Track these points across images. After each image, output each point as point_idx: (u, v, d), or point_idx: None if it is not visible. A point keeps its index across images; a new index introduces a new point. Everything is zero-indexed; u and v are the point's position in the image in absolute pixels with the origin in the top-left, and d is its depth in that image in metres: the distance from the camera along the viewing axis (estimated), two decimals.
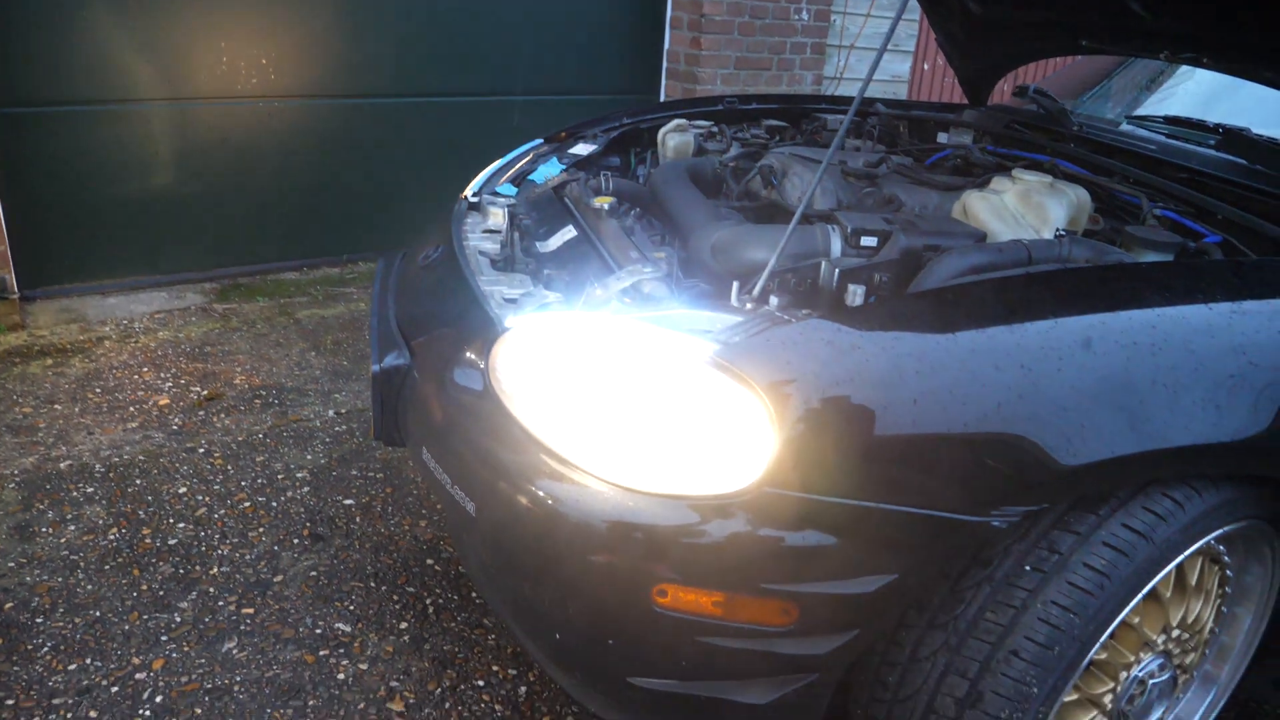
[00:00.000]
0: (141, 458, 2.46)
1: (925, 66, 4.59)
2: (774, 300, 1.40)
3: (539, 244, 1.94)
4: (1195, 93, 2.21)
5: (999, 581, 1.22)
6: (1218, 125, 1.94)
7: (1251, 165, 1.81)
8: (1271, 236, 1.58)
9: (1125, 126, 2.14)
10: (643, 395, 1.28)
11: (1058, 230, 1.62)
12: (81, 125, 3.27)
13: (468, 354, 1.52)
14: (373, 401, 1.69)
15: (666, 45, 4.21)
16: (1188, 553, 1.25)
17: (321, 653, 1.84)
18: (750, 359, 1.20)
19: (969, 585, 1.24)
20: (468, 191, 2.25)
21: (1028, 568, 1.21)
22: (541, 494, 1.28)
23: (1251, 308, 1.25)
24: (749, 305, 1.41)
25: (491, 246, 1.91)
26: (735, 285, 1.43)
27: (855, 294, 1.47)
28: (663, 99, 4.28)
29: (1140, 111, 2.30)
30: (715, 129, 2.46)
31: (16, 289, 3.28)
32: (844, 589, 1.18)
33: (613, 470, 1.25)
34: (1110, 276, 1.32)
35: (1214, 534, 1.27)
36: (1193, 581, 1.37)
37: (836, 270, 1.47)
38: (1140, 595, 1.22)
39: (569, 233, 1.92)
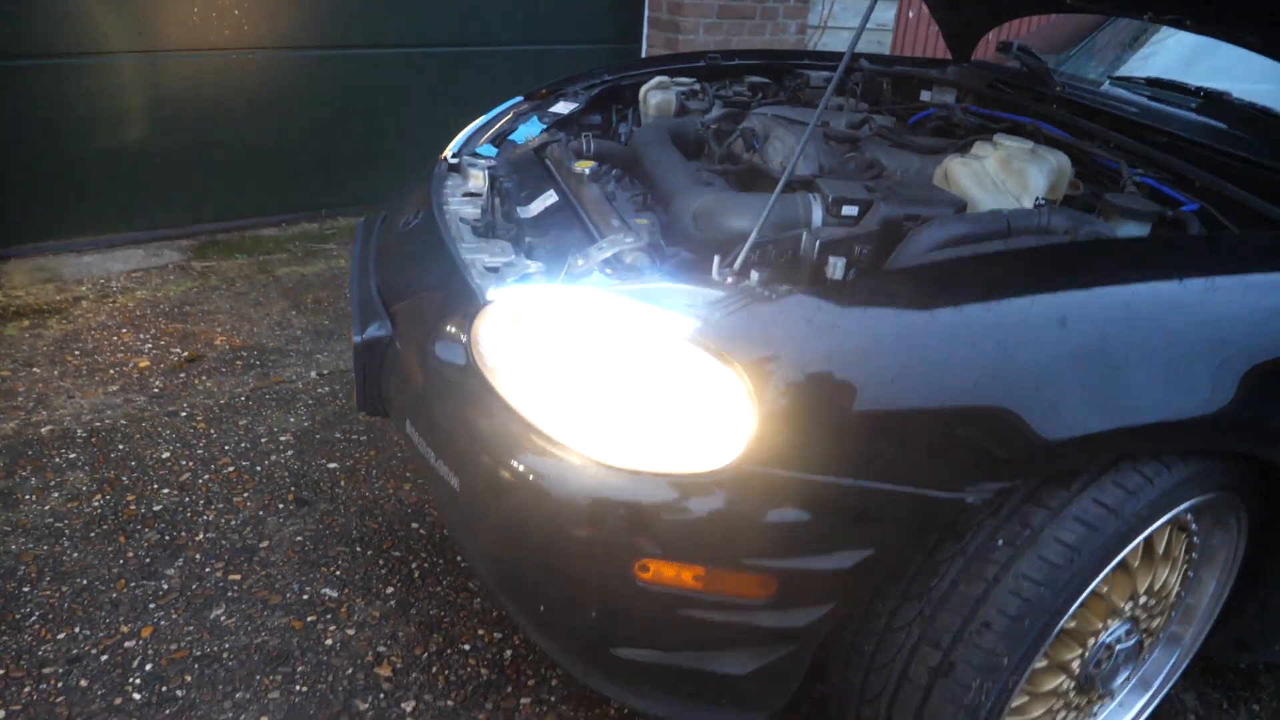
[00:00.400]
0: (123, 422, 2.45)
1: (910, 14, 4.52)
2: (754, 274, 1.40)
3: (520, 209, 1.93)
4: (1179, 51, 2.20)
5: (972, 555, 1.25)
6: (1199, 88, 1.93)
7: (1231, 130, 1.81)
8: (1247, 205, 1.59)
9: (1107, 87, 2.13)
10: (623, 372, 1.29)
11: (1037, 199, 1.63)
12: (51, 79, 3.18)
13: (450, 326, 1.52)
14: (355, 372, 1.69)
15: None
16: (1156, 525, 1.28)
17: (309, 618, 1.87)
18: (730, 337, 1.20)
19: (943, 558, 1.27)
20: (447, 152, 2.22)
21: (1000, 541, 1.24)
22: (524, 470, 1.29)
23: (1223, 284, 1.26)
24: (730, 279, 1.41)
25: (472, 211, 1.90)
26: (716, 259, 1.42)
27: (836, 266, 1.47)
28: (645, 48, 4.21)
29: (1124, 70, 2.29)
30: (697, 86, 2.42)
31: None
32: (822, 564, 1.21)
33: (595, 446, 1.27)
34: (1086, 253, 1.33)
35: (1182, 506, 1.30)
36: (1160, 551, 1.41)
37: (817, 242, 1.47)
38: (1109, 568, 1.25)
39: (550, 197, 1.90)
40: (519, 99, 2.47)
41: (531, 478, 1.29)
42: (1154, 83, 2.07)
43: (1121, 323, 1.20)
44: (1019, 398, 1.17)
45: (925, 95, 2.39)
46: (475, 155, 2.18)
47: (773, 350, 1.19)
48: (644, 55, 4.22)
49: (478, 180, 2.05)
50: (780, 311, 1.21)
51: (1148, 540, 1.36)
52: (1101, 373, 1.18)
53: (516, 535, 1.33)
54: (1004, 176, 1.72)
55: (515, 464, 1.30)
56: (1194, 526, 1.45)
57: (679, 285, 1.42)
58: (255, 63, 3.49)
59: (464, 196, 1.98)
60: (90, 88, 3.25)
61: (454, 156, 2.16)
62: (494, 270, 1.63)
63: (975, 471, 1.18)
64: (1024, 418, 1.17)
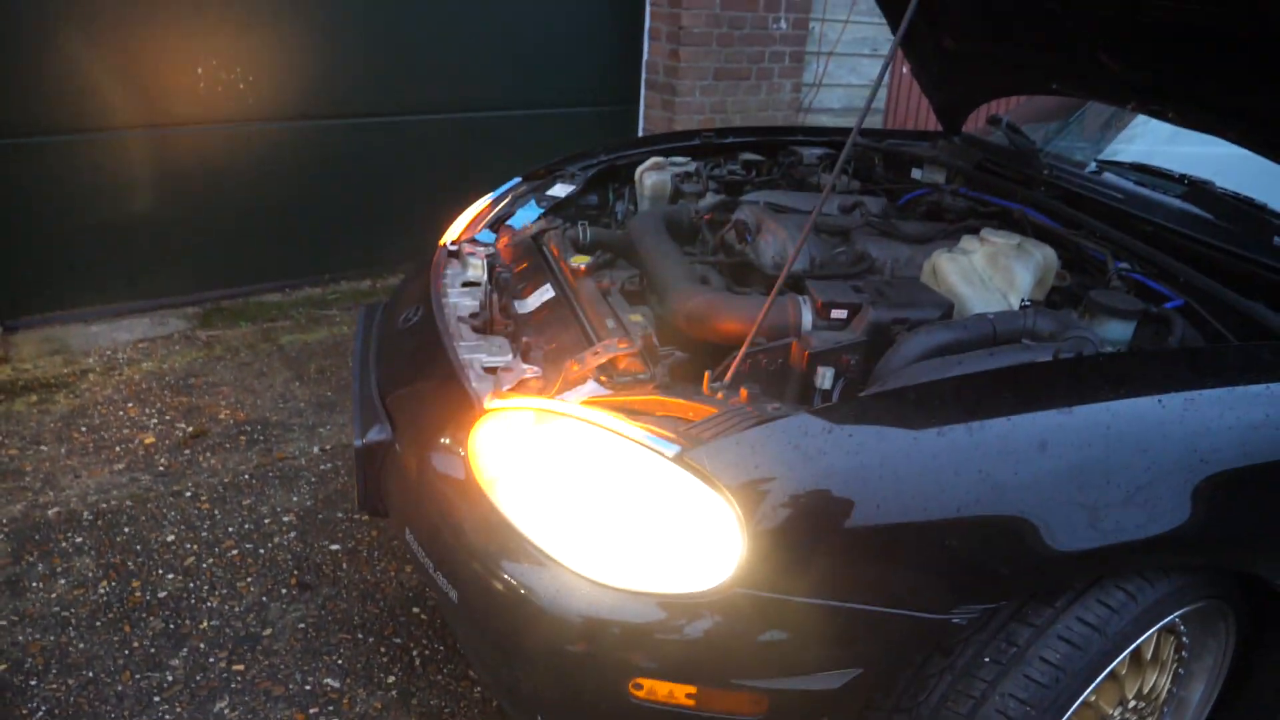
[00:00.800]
0: (129, 503, 2.48)
1: (905, 69, 4.59)
2: (745, 390, 1.43)
3: (518, 303, 1.97)
4: (1165, 130, 2.24)
5: (959, 671, 1.27)
6: (1183, 176, 1.97)
7: (1215, 221, 1.85)
8: (1229, 303, 1.62)
9: (1092, 169, 2.17)
10: (615, 492, 1.32)
11: (1023, 301, 1.66)
12: (58, 155, 3.25)
13: (448, 435, 1.55)
14: (355, 475, 1.72)
15: (645, 57, 4.19)
16: (1141, 639, 1.30)
17: (311, 710, 1.89)
18: (719, 460, 1.23)
19: (932, 673, 1.29)
20: (446, 239, 2.27)
21: (986, 659, 1.26)
22: (518, 585, 1.32)
23: (1202, 399, 1.29)
24: (720, 394, 1.44)
25: (470, 304, 1.94)
26: (707, 374, 1.46)
27: (825, 376, 1.50)
28: (642, 110, 4.28)
29: (1111, 148, 2.33)
30: (691, 168, 2.47)
31: (9, 323, 3.29)
32: (811, 684, 1.23)
33: (589, 565, 1.30)
34: (1066, 371, 1.36)
35: (1168, 619, 1.32)
36: (1149, 656, 1.42)
37: (806, 354, 1.50)
38: (1095, 682, 1.27)
39: (547, 292, 1.94)
40: (518, 180, 2.52)
41: (525, 593, 1.31)
42: (1140, 168, 2.11)
43: (1101, 444, 1.23)
44: (1001, 521, 1.19)
45: (916, 173, 2.44)
46: (475, 242, 2.23)
47: (760, 474, 1.22)
48: (641, 116, 4.29)
49: (476, 270, 2.09)
50: (768, 436, 1.24)
51: (1136, 648, 1.38)
52: (1082, 493, 1.21)
53: (513, 648, 1.35)
54: (991, 273, 1.75)
55: (510, 579, 1.33)
56: (1183, 629, 1.47)
57: (671, 399, 1.45)
58: (258, 133, 3.56)
59: (463, 287, 2.02)
60: (97, 161, 3.32)
61: (453, 244, 2.20)
62: (491, 371, 1.66)
63: (960, 594, 1.21)
64: (1005, 541, 1.20)
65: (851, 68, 4.34)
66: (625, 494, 1.31)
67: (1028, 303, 1.64)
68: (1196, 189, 1.93)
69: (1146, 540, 1.23)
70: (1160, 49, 1.84)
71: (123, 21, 3.20)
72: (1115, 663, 1.28)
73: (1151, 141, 2.31)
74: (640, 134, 4.25)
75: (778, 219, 1.97)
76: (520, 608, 1.32)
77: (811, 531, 1.20)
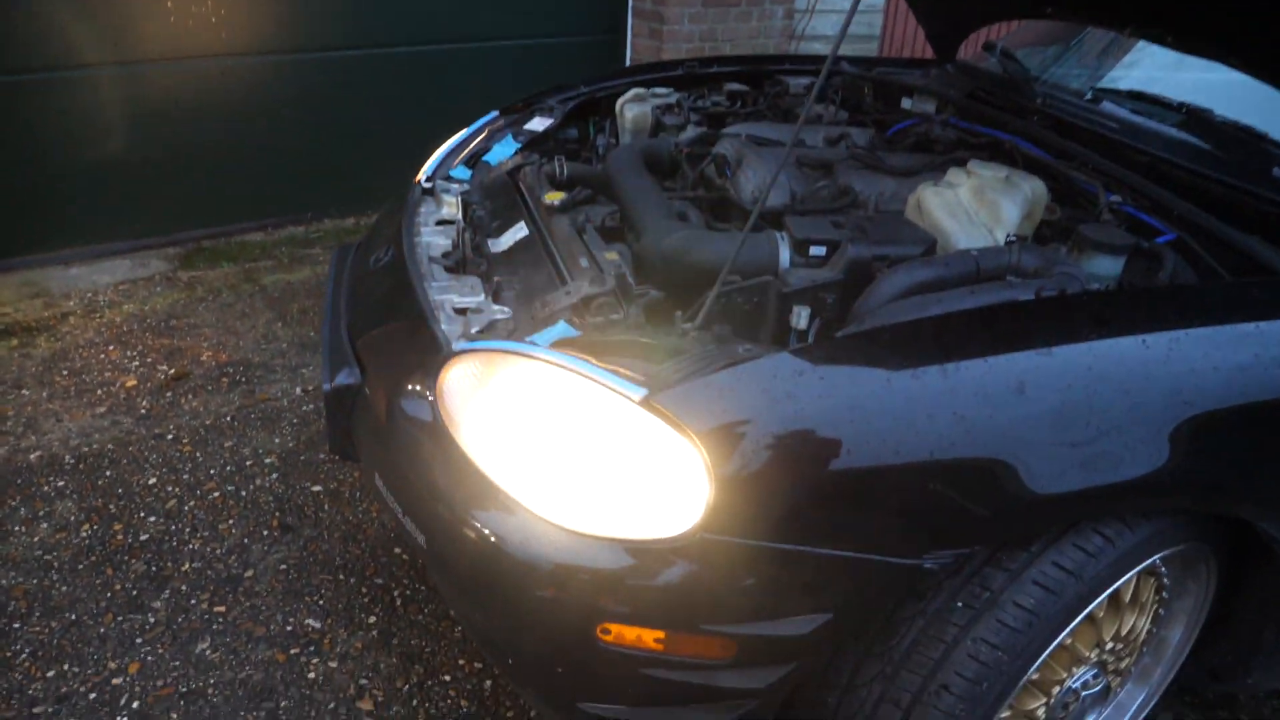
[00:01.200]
0: (110, 446, 2.47)
1: None
2: (716, 329, 1.39)
3: (491, 241, 1.91)
4: (1165, 57, 2.15)
5: (931, 616, 1.25)
6: (1181, 104, 1.89)
7: (1213, 151, 1.78)
8: (1224, 237, 1.56)
9: (1089, 99, 2.09)
10: (583, 438, 1.29)
11: (1008, 236, 1.60)
12: (31, 94, 3.16)
13: (416, 379, 1.52)
14: (326, 418, 1.69)
15: None
16: (1119, 583, 1.27)
17: (292, 651, 1.89)
18: (686, 405, 1.20)
19: (903, 617, 1.27)
20: (421, 175, 2.20)
21: (959, 604, 1.24)
22: (487, 532, 1.30)
23: (1187, 338, 1.24)
24: (691, 333, 1.40)
25: (444, 242, 1.88)
26: (678, 314, 1.41)
27: (800, 316, 1.46)
28: (629, 39, 4.15)
29: (1109, 76, 2.24)
30: (674, 99, 2.39)
31: None
32: (781, 629, 1.22)
33: (556, 510, 1.27)
34: (1048, 312, 1.31)
35: (1146, 562, 1.30)
36: (1128, 599, 1.41)
37: (782, 292, 1.45)
38: (1071, 626, 1.26)
39: (520, 230, 1.89)
40: (495, 114, 2.44)
41: (493, 539, 1.29)
42: (1137, 96, 2.03)
43: (1082, 386, 1.19)
44: (975, 466, 1.16)
45: (906, 103, 2.36)
46: (449, 179, 2.17)
47: (729, 419, 1.18)
48: (629, 46, 4.16)
49: (451, 207, 2.03)
50: (737, 379, 1.20)
51: (1115, 591, 1.36)
52: (1059, 436, 1.17)
53: (482, 593, 1.34)
54: (977, 207, 1.70)
55: (478, 524, 1.31)
56: (1164, 570, 1.45)
57: (641, 340, 1.41)
58: (233, 69, 3.46)
59: (436, 225, 1.96)
60: (69, 100, 3.23)
61: (428, 180, 2.14)
62: (461, 313, 1.62)
63: (931, 538, 1.18)
64: (978, 486, 1.16)
65: None
66: (592, 438, 1.28)
67: (1013, 238, 1.59)
68: (1195, 117, 1.85)
69: (1126, 484, 1.19)
70: None
71: None
72: (1092, 606, 1.26)
73: (1153, 68, 2.21)
74: (627, 64, 4.13)
75: (759, 152, 1.90)
76: (487, 554, 1.29)
77: (781, 476, 1.17)
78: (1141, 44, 2.25)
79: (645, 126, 2.34)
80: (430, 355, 1.52)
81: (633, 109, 2.35)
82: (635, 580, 1.22)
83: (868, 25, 4.30)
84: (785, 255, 1.58)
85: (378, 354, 1.68)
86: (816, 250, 1.56)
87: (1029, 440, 1.16)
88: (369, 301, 1.84)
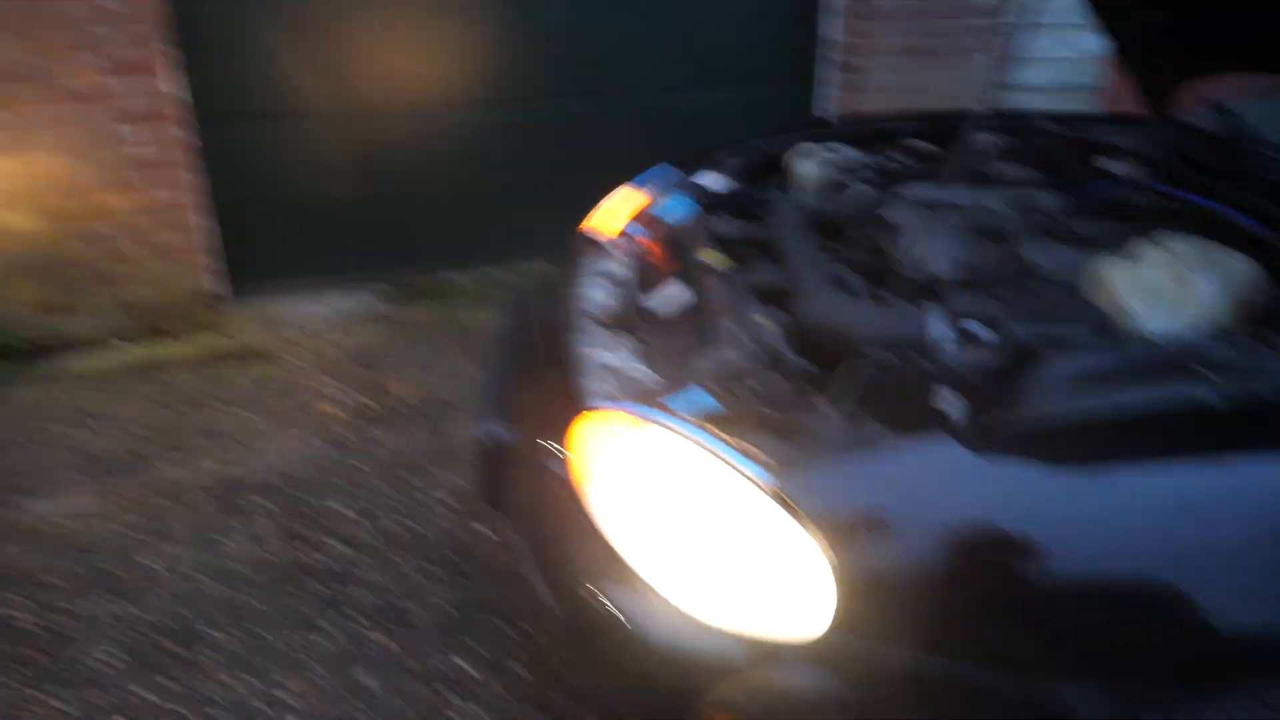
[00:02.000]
0: (307, 470, 2.69)
1: None
2: (858, 409, 1.32)
3: (648, 298, 1.93)
4: None
5: None
6: None
7: None
8: None
9: None
10: (708, 521, 1.27)
11: (1207, 323, 1.43)
12: (271, 135, 3.56)
13: (554, 434, 1.55)
14: (478, 468, 1.76)
15: (823, 33, 4.00)
16: None
17: (441, 690, 1.97)
18: (817, 495, 1.15)
19: None
20: (590, 224, 2.27)
21: None
22: (608, 605, 1.30)
23: None
24: (830, 412, 1.34)
25: (603, 296, 1.92)
26: (820, 391, 1.36)
27: (949, 398, 1.36)
28: (822, 91, 4.09)
29: None
30: (848, 156, 2.33)
31: (231, 294, 3.66)
32: None
33: (679, 593, 1.26)
34: (1239, 419, 1.16)
35: None
36: None
37: (930, 375, 1.37)
38: None
39: (677, 289, 1.90)
40: (666, 166, 2.47)
41: (619, 616, 1.29)
42: None
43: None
44: (1142, 588, 1.04)
45: (1106, 164, 2.17)
46: (613, 231, 2.21)
47: (864, 513, 1.12)
48: (817, 99, 4.11)
49: (613, 261, 2.07)
50: (875, 468, 1.15)
51: None
52: (1250, 571, 1.03)
53: (599, 665, 1.35)
54: (1169, 286, 1.53)
55: (603, 599, 1.31)
56: None
57: (778, 415, 1.37)
58: (447, 118, 3.74)
59: (598, 278, 2.00)
60: (304, 142, 3.62)
61: (592, 233, 2.20)
62: (607, 369, 1.64)
63: (1081, 664, 1.07)
64: (1148, 612, 1.04)
65: (1059, 39, 3.94)
66: (718, 524, 1.25)
67: (1213, 326, 1.42)
68: None
69: None
70: None
71: (329, 16, 3.47)
72: None
73: None
74: (816, 117, 4.07)
75: (928, 217, 1.81)
76: (610, 628, 1.30)
77: (918, 581, 1.10)
78: None
79: (816, 184, 2.29)
80: (571, 411, 1.55)
81: (804, 165, 2.31)
82: (751, 677, 1.20)
83: (1081, 75, 4.01)
84: (938, 330, 1.48)
85: (528, 405, 1.74)
86: (974, 326, 1.46)
87: (1207, 569, 1.03)
88: (528, 351, 1.91)
